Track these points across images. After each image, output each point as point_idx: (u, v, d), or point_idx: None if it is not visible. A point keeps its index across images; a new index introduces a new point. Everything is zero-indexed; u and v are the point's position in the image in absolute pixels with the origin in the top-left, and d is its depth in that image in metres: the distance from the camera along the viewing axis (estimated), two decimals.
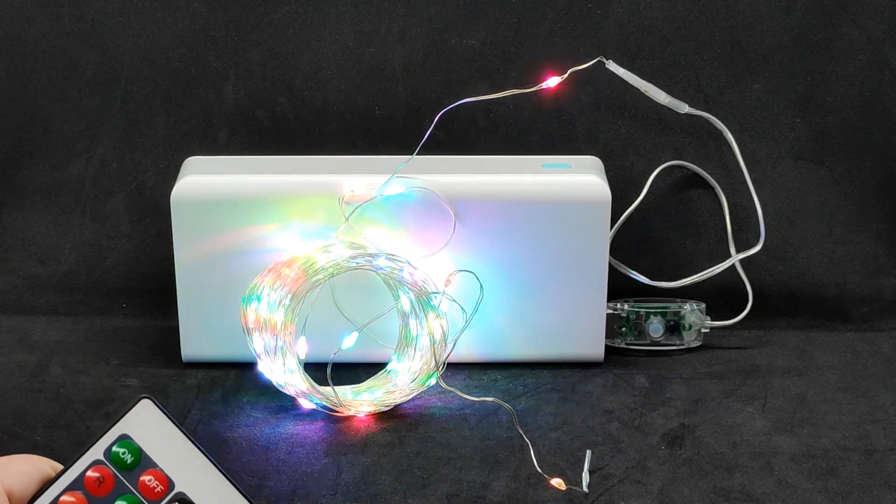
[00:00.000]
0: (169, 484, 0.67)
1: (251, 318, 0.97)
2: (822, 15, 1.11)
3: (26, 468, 0.66)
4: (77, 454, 0.66)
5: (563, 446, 0.94)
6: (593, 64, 1.03)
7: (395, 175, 1.01)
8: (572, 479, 0.89)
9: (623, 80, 1.06)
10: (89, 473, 0.66)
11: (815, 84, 1.12)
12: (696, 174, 1.14)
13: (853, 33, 1.11)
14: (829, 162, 1.14)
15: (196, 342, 1.05)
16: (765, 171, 1.13)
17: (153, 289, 1.15)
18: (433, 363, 0.98)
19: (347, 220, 1.01)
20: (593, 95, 1.12)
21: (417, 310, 0.98)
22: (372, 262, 0.97)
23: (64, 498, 0.66)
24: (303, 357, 0.97)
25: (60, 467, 0.67)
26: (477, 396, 0.99)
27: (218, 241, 1.02)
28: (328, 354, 0.97)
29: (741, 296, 1.11)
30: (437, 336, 0.98)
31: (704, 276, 1.11)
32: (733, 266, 1.12)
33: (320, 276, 0.96)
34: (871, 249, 1.15)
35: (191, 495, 0.67)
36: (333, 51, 1.12)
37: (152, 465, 0.67)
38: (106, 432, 0.67)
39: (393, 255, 0.98)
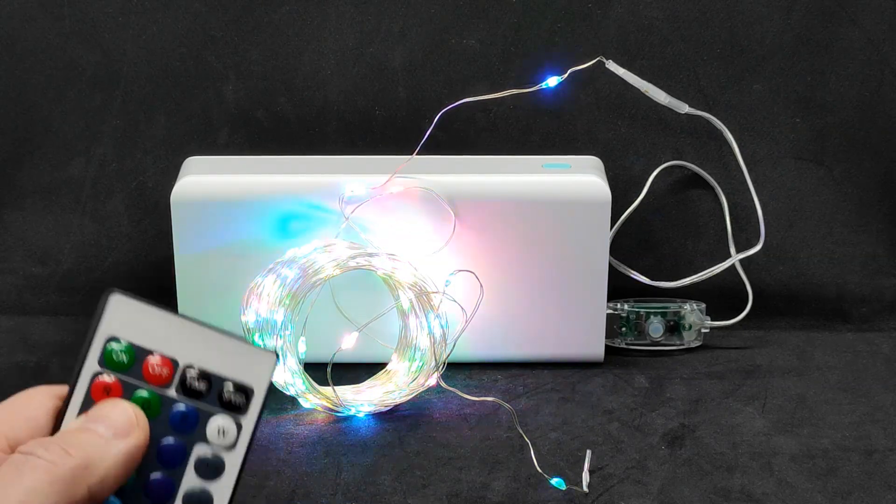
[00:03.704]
0: (173, 363, 0.66)
1: (251, 318, 0.97)
2: (822, 15, 1.11)
3: (30, 412, 0.65)
4: (73, 375, 0.65)
5: (563, 446, 0.94)
6: (593, 64, 1.03)
7: (395, 175, 1.01)
8: (572, 479, 0.89)
9: (623, 80, 1.06)
10: (94, 387, 0.65)
11: (815, 84, 1.12)
12: (696, 174, 1.14)
13: (853, 33, 1.11)
14: (829, 162, 1.14)
15: None
16: (765, 171, 1.13)
17: (153, 289, 1.15)
18: (433, 363, 0.98)
19: (347, 219, 1.01)
20: (593, 95, 1.12)
21: (417, 310, 0.98)
22: (372, 262, 0.97)
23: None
24: (303, 357, 0.97)
25: (64, 389, 0.66)
26: (477, 396, 0.99)
27: (218, 241, 1.02)
28: (328, 354, 0.97)
29: (741, 296, 1.11)
30: (437, 336, 0.98)
31: (704, 276, 1.11)
32: (733, 266, 1.12)
33: (320, 276, 0.96)
34: (871, 249, 1.15)
35: (197, 363, 0.66)
36: (333, 51, 1.12)
37: (148, 352, 0.66)
38: (91, 342, 0.66)
39: (393, 255, 0.98)
